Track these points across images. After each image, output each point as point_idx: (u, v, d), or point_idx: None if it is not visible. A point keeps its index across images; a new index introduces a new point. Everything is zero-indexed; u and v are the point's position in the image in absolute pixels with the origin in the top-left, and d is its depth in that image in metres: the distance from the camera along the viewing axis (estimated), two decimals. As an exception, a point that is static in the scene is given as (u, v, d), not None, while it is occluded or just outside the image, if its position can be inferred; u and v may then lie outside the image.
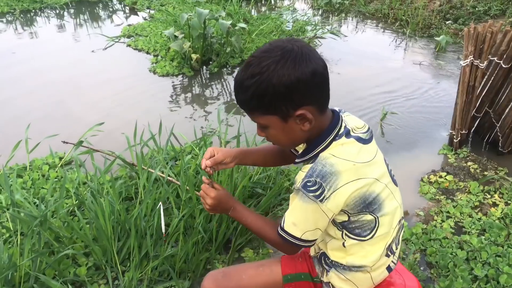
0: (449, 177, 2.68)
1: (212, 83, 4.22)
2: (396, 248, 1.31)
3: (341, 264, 1.25)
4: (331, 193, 1.08)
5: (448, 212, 2.42)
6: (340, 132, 1.15)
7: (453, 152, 2.97)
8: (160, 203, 1.86)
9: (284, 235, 1.19)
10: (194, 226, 2.07)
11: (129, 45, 5.01)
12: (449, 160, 2.90)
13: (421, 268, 2.07)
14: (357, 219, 1.16)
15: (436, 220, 2.35)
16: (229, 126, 3.30)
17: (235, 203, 1.34)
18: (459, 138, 2.94)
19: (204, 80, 4.29)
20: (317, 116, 1.11)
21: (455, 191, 2.60)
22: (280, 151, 1.46)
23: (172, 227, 2.05)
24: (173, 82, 4.17)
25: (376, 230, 1.19)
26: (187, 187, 2.20)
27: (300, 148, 1.32)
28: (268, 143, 1.38)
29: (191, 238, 1.97)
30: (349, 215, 1.15)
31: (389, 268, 1.30)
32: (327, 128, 1.15)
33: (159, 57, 4.63)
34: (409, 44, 5.42)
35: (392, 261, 1.30)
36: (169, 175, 2.42)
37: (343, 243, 1.22)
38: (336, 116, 1.17)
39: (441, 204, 2.49)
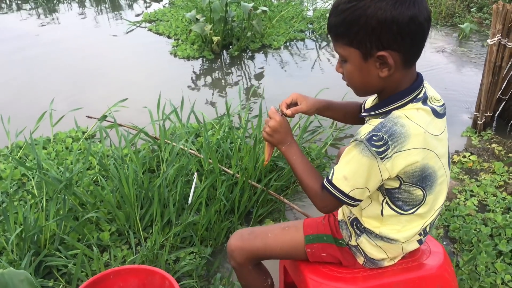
0: (473, 157, 2.64)
1: (232, 67, 4.23)
2: (429, 230, 1.29)
3: (374, 233, 1.23)
4: (394, 153, 1.03)
5: (471, 191, 2.38)
6: (419, 96, 1.09)
7: (477, 134, 2.92)
8: (196, 173, 1.88)
9: (330, 188, 1.13)
10: (216, 197, 2.08)
11: (150, 30, 5.04)
12: (472, 142, 2.86)
13: (444, 243, 2.04)
14: (408, 189, 1.11)
15: (459, 198, 2.32)
16: (249, 108, 3.30)
17: (293, 140, 1.30)
18: (483, 121, 2.89)
19: (224, 64, 4.30)
20: (400, 68, 1.04)
21: (479, 171, 2.56)
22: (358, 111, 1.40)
23: (195, 196, 2.06)
24: (193, 65, 4.19)
25: (419, 207, 1.15)
26: (210, 159, 2.21)
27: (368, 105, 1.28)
28: (353, 100, 1.34)
29: (213, 205, 1.98)
30: (402, 183, 1.10)
31: (420, 241, 1.29)
32: (408, 88, 1.08)
33: (180, 41, 4.66)
34: (431, 32, 5.34)
35: (423, 237, 1.29)
36: (191, 149, 2.44)
37: (381, 211, 1.18)
38: (420, 79, 1.11)
39: (464, 183, 2.45)
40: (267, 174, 2.35)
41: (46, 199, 2.09)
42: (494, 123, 3.07)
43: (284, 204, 2.24)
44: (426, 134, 1.05)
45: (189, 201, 1.90)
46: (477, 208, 2.25)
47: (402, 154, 1.04)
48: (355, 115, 1.40)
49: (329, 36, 1.12)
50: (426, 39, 1.05)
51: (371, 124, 1.07)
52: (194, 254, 1.96)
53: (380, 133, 1.03)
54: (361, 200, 1.14)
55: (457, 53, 4.58)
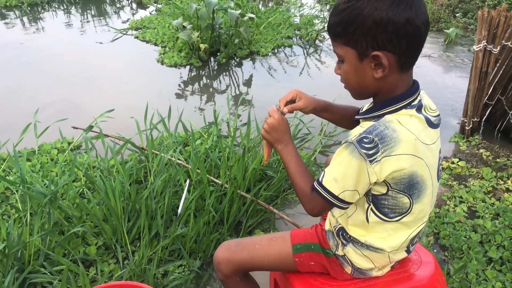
0: (461, 163, 2.65)
1: (220, 74, 4.20)
2: (416, 242, 1.28)
3: (360, 242, 1.22)
4: (383, 157, 1.02)
5: (460, 197, 2.38)
6: (414, 103, 1.08)
7: (465, 140, 2.93)
8: (188, 180, 1.84)
9: (320, 189, 1.12)
10: (204, 208, 2.05)
11: (136, 37, 5.00)
12: (460, 147, 2.87)
13: (434, 251, 2.04)
14: (395, 196, 1.10)
15: (448, 205, 2.32)
16: (237, 116, 3.28)
17: (291, 140, 1.30)
18: (470, 126, 2.91)
19: (212, 71, 4.28)
20: (395, 71, 1.04)
21: (468, 177, 2.57)
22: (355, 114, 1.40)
23: (184, 207, 2.03)
24: (181, 73, 4.16)
25: (405, 215, 1.14)
26: (198, 170, 2.18)
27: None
28: (352, 104, 1.35)
29: (202, 217, 1.95)
30: (390, 189, 1.09)
31: (408, 251, 1.28)
32: (402, 93, 1.08)
33: (167, 48, 4.63)
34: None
35: (411, 246, 1.28)
36: (179, 159, 2.40)
37: (367, 218, 1.17)
38: (415, 86, 1.11)
39: (453, 189, 2.45)
40: (256, 183, 2.32)
41: (30, 213, 2.05)
42: (482, 128, 3.09)
43: (274, 214, 2.22)
44: (417, 141, 1.05)
45: (179, 211, 1.87)
46: (466, 215, 2.25)
47: (391, 158, 1.03)
48: (351, 119, 1.39)
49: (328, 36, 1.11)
50: (423, 43, 1.04)
51: (362, 126, 1.07)
52: (183, 267, 1.93)
53: (370, 136, 1.02)
54: (350, 203, 1.13)
55: (443, 58, 4.62)
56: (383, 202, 1.13)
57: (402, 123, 1.05)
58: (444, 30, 5.28)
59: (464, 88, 2.95)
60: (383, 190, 1.10)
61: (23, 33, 5.29)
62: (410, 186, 1.09)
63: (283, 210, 2.30)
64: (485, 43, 2.61)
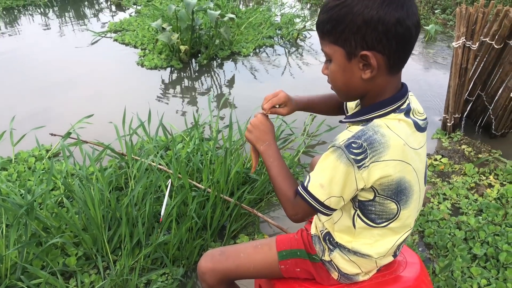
0: (444, 160, 2.66)
1: (202, 75, 4.16)
2: (402, 246, 1.28)
3: (346, 248, 1.20)
4: (371, 163, 0.99)
5: (444, 194, 2.39)
6: (402, 107, 1.05)
7: (447, 136, 2.95)
8: (170, 180, 1.80)
9: (305, 195, 1.09)
10: (187, 214, 2.01)
11: (115, 40, 4.92)
12: (443, 144, 2.88)
13: (420, 249, 2.03)
14: (382, 202, 1.08)
15: (432, 202, 2.32)
16: (220, 118, 3.24)
17: (273, 140, 1.28)
18: (452, 122, 2.92)
19: (193, 73, 4.23)
20: (383, 73, 1.01)
21: (451, 173, 2.58)
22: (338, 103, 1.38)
23: (166, 212, 1.99)
24: (161, 75, 4.10)
25: (392, 221, 1.12)
26: (179, 175, 2.14)
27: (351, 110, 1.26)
28: (331, 93, 1.32)
29: (184, 223, 1.91)
30: (377, 195, 1.07)
31: (394, 255, 1.26)
32: (391, 96, 1.05)
33: (147, 51, 4.56)
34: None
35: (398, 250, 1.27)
36: (160, 164, 2.36)
37: (353, 224, 1.15)
38: (404, 89, 1.08)
39: (437, 186, 2.46)
40: (240, 186, 2.29)
41: (7, 224, 1.98)
42: (463, 124, 3.11)
43: (258, 217, 2.19)
44: (405, 147, 1.02)
45: (161, 214, 1.83)
46: (450, 212, 2.25)
47: (379, 164, 1.00)
48: (337, 108, 1.39)
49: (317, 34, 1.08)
50: (413, 45, 1.02)
51: (350, 131, 1.03)
52: (166, 275, 1.88)
53: (359, 141, 0.99)
54: (335, 210, 1.10)
55: (424, 55, 4.64)
56: (370, 208, 1.11)
57: (391, 128, 1.02)
58: (424, 27, 5.31)
59: (445, 85, 2.96)
60: (370, 196, 1.08)
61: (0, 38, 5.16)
62: (398, 192, 1.07)
63: (268, 213, 2.27)
64: (464, 40, 2.62)
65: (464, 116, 3.12)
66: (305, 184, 1.10)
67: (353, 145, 1.00)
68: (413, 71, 4.19)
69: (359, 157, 0.99)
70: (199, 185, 2.19)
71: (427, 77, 4.06)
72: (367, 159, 0.99)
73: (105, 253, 1.94)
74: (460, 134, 2.95)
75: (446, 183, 2.48)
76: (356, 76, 1.03)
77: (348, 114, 1.17)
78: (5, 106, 3.46)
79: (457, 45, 2.65)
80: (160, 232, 1.97)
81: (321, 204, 1.08)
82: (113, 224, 2.02)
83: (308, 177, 1.11)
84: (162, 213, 1.83)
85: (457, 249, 1.98)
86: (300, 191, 1.11)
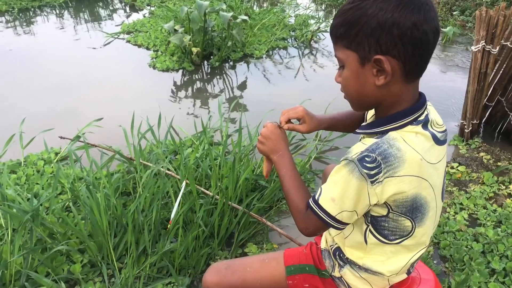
0: (461, 168, 2.57)
1: (213, 77, 4.12)
2: (416, 263, 1.21)
3: (357, 264, 1.14)
4: (385, 178, 0.93)
5: (461, 203, 2.30)
6: (420, 119, 0.99)
7: (464, 143, 2.85)
8: (184, 182, 1.76)
9: (316, 209, 1.04)
10: (194, 221, 1.97)
11: (128, 41, 4.92)
12: (460, 151, 2.79)
13: (435, 262, 1.95)
14: (396, 219, 1.02)
15: (449, 212, 2.24)
16: (230, 121, 3.20)
17: (286, 150, 1.23)
18: (470, 128, 2.83)
19: (205, 75, 4.19)
20: (399, 80, 0.96)
21: (468, 182, 2.48)
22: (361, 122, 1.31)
23: (172, 221, 1.94)
24: (173, 77, 4.07)
25: (406, 238, 1.06)
26: (187, 181, 2.09)
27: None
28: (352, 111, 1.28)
29: (191, 232, 1.87)
30: (390, 211, 1.01)
31: (408, 272, 1.20)
32: (409, 108, 0.99)
33: (159, 52, 4.54)
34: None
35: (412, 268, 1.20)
36: (168, 169, 2.32)
37: (365, 239, 1.09)
38: (422, 99, 1.02)
39: (453, 195, 2.37)
40: (249, 193, 2.24)
41: (13, 229, 1.96)
42: (481, 131, 3.01)
43: (267, 226, 2.13)
44: (422, 162, 0.96)
45: (172, 216, 1.79)
46: (467, 223, 2.17)
47: (394, 180, 0.94)
48: (360, 122, 1.33)
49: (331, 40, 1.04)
50: (432, 52, 0.96)
51: (364, 144, 0.98)
52: (172, 284, 1.84)
53: (373, 154, 0.94)
54: (347, 224, 1.05)
55: (441, 57, 4.53)
56: (383, 224, 1.05)
57: (407, 142, 0.96)
58: (442, 29, 5.19)
59: (463, 89, 2.87)
60: (383, 212, 1.02)
61: (13, 39, 5.20)
62: (413, 209, 1.01)
63: (277, 222, 2.21)
64: (484, 43, 2.53)
65: (483, 122, 3.02)
66: (316, 197, 1.05)
67: (366, 159, 0.94)
68: (429, 74, 4.09)
69: (372, 172, 0.94)
70: (207, 192, 2.15)
71: (444, 81, 3.96)
72: (381, 174, 0.93)
73: (111, 260, 1.90)
74: (479, 141, 2.85)
75: (463, 192, 2.39)
76: (369, 83, 0.98)
77: (363, 124, 1.10)
78: (16, 107, 3.46)
79: (476, 49, 2.55)
80: (167, 240, 1.93)
81: (333, 218, 1.02)
82: (119, 231, 1.99)
83: (320, 189, 1.06)
84: (172, 215, 1.80)
85: (474, 263, 1.89)
86: (311, 204, 1.06)
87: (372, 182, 0.94)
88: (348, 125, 1.39)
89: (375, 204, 0.99)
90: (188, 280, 1.84)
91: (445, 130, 1.07)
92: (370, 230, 1.07)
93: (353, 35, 0.95)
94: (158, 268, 1.89)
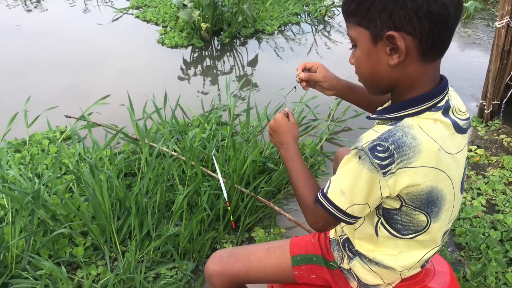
0: (480, 151, 2.45)
1: (223, 54, 4.00)
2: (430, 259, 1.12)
3: (367, 257, 1.07)
4: (398, 169, 0.85)
5: (478, 188, 2.20)
6: (440, 105, 0.90)
7: (484, 124, 2.72)
8: (214, 151, 1.71)
9: (324, 203, 0.97)
10: (199, 204, 1.91)
11: (137, 17, 4.80)
12: (479, 133, 2.66)
13: (449, 250, 1.87)
14: (409, 213, 0.94)
15: (465, 198, 2.14)
16: (240, 99, 3.10)
17: (292, 142, 1.17)
18: (490, 109, 2.69)
19: (214, 51, 4.08)
20: (415, 60, 0.87)
21: (486, 166, 2.37)
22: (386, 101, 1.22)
23: (176, 204, 1.89)
24: (182, 54, 3.97)
25: (420, 234, 0.98)
26: (193, 163, 2.03)
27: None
28: None
29: (195, 215, 1.81)
30: (403, 204, 0.93)
31: (422, 266, 1.12)
32: (427, 92, 0.90)
33: (168, 28, 4.42)
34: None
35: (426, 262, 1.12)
36: (174, 150, 2.25)
37: (376, 232, 1.01)
38: (443, 83, 0.92)
39: (470, 180, 2.26)
40: (256, 176, 2.16)
41: (16, 209, 1.92)
42: (502, 112, 2.86)
43: (275, 210, 2.06)
44: (440, 152, 0.87)
45: (225, 196, 1.75)
46: (485, 209, 2.07)
47: (408, 171, 0.86)
48: (382, 101, 1.19)
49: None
50: (453, 28, 0.86)
51: (376, 131, 0.89)
52: (176, 269, 1.79)
53: (386, 143, 0.85)
54: (359, 218, 0.98)
55: (461, 34, 4.34)
56: (395, 218, 0.97)
57: (424, 129, 0.87)
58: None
59: (484, 68, 2.72)
60: (396, 205, 0.94)
61: (22, 15, 5.12)
62: (428, 203, 0.92)
63: (286, 206, 2.14)
64: (508, 19, 2.37)
65: (504, 102, 2.87)
66: (325, 190, 0.98)
67: (378, 148, 0.86)
68: (448, 51, 3.91)
69: (384, 162, 0.85)
70: (213, 174, 2.08)
71: (463, 59, 3.79)
72: (393, 165, 0.85)
73: (114, 244, 1.86)
74: (499, 122, 2.72)
75: (481, 176, 2.28)
76: (382, 62, 0.89)
77: (378, 109, 1.01)
78: (23, 84, 3.41)
79: (500, 25, 2.40)
80: (171, 223, 1.87)
81: (343, 212, 0.95)
82: (123, 213, 1.94)
83: (328, 182, 0.98)
84: (225, 195, 1.75)
85: (491, 251, 1.81)
86: (320, 198, 0.99)
87: (384, 173, 0.86)
88: (367, 103, 1.28)
89: (387, 197, 0.92)
90: (192, 265, 1.80)
91: (468, 118, 0.98)
92: (381, 223, 1.00)
93: (365, 11, 0.86)
94: (162, 252, 1.84)
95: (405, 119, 0.89)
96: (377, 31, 0.86)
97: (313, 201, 1.04)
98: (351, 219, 0.96)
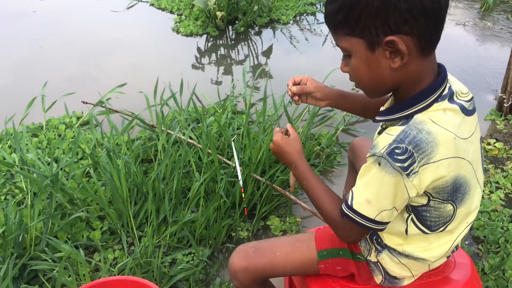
0: (499, 145, 2.42)
1: (238, 43, 3.99)
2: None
3: (397, 250, 1.06)
4: (421, 166, 0.85)
5: (497, 182, 2.17)
6: (444, 94, 0.90)
7: (503, 118, 2.68)
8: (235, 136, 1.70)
9: (352, 215, 0.96)
10: (216, 191, 1.91)
11: (152, 4, 4.78)
12: (497, 126, 2.63)
13: (466, 243, 1.86)
14: (437, 206, 0.94)
15: (483, 191, 2.12)
16: (255, 89, 3.09)
17: (299, 160, 1.16)
18: (510, 103, 2.65)
19: (229, 40, 4.06)
20: (415, 57, 0.86)
21: (505, 160, 2.34)
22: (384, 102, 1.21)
23: (193, 191, 1.89)
24: (197, 42, 3.96)
25: (449, 223, 0.98)
26: (209, 150, 2.03)
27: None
28: None
29: (212, 203, 1.81)
30: (431, 199, 0.92)
31: (448, 256, 1.12)
32: (431, 84, 0.89)
33: (183, 17, 4.41)
34: (450, 4, 5.00)
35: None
36: (190, 137, 2.25)
37: (406, 229, 1.01)
38: (443, 73, 0.92)
39: (489, 173, 2.24)
40: (272, 165, 2.16)
41: (35, 192, 1.94)
42: (522, 105, 2.82)
43: (290, 199, 2.06)
44: (456, 140, 0.87)
45: (240, 182, 1.73)
46: (503, 203, 2.05)
47: (430, 166, 0.86)
48: (378, 107, 1.18)
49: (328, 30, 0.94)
50: (445, 18, 0.84)
51: (390, 134, 0.89)
52: (192, 255, 1.80)
53: (403, 145, 0.85)
54: (389, 222, 0.97)
55: (480, 26, 4.27)
56: (424, 214, 0.96)
57: (437, 122, 0.87)
58: (481, -4, 4.88)
59: (504, 60, 2.68)
60: (423, 201, 0.94)
61: (37, 1, 5.13)
62: (453, 192, 0.92)
63: (300, 195, 2.14)
64: (532, 10, 2.32)
65: (524, 96, 2.83)
66: (349, 203, 0.97)
67: (396, 151, 0.85)
68: (466, 44, 3.86)
69: (406, 164, 0.85)
70: (229, 162, 2.08)
71: (482, 51, 3.73)
72: (415, 164, 0.85)
73: (131, 228, 1.87)
74: (518, 116, 2.68)
75: (499, 170, 2.26)
76: (383, 67, 0.87)
77: (382, 110, 0.99)
78: (39, 70, 3.43)
79: (523, 16, 2.35)
80: (188, 210, 1.88)
81: (372, 221, 0.95)
82: (140, 198, 1.95)
83: (350, 193, 0.97)
84: (240, 179, 1.74)
85: (510, 245, 1.79)
86: (346, 211, 0.98)
87: (407, 175, 0.86)
88: (361, 106, 1.28)
89: (416, 194, 0.91)
90: (208, 251, 1.80)
91: (472, 98, 0.97)
92: (412, 219, 1.00)
93: (355, 20, 0.84)
94: (179, 238, 1.85)
95: (416, 116, 0.89)
96: (373, 38, 0.84)
97: (338, 215, 1.03)
98: (382, 225, 0.97)
